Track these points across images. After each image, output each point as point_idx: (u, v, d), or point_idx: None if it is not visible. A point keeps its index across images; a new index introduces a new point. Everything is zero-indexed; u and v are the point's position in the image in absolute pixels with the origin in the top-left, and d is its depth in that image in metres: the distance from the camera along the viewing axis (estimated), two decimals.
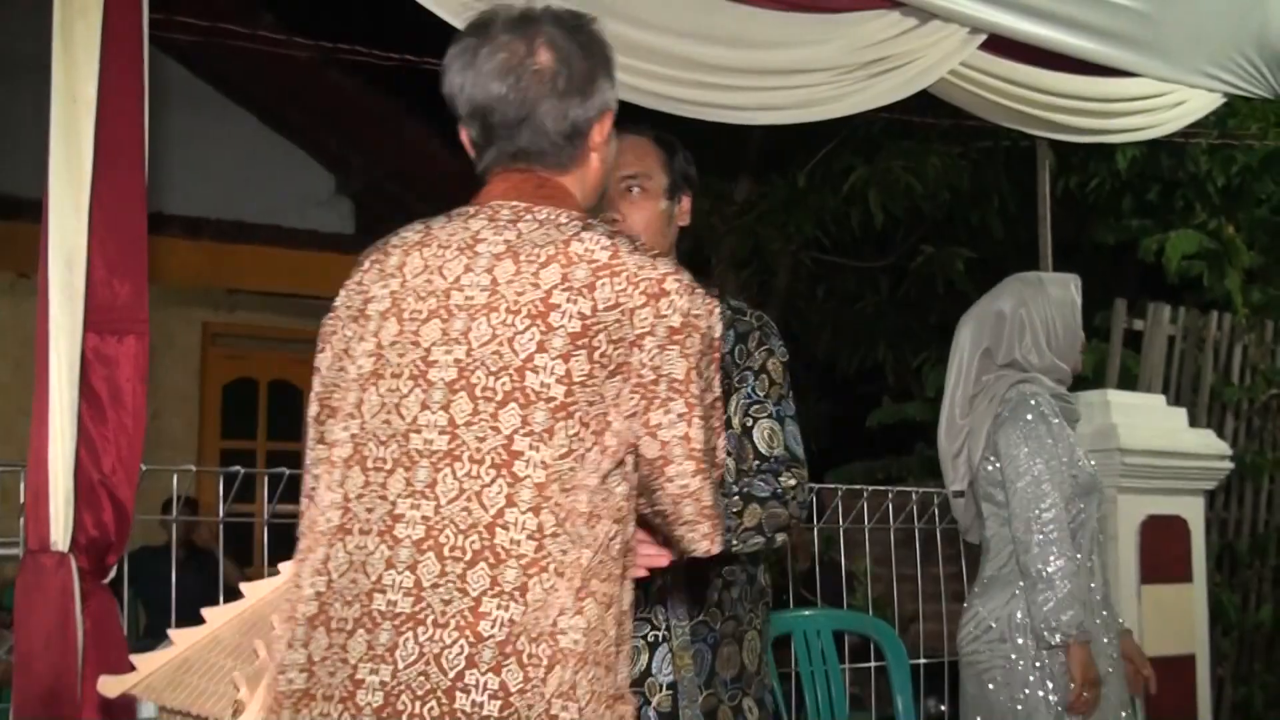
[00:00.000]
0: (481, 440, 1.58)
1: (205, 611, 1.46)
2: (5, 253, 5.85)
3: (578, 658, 1.56)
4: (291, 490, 3.51)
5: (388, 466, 1.60)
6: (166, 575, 3.25)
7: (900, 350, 8.15)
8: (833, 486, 4.30)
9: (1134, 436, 4.50)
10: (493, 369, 1.60)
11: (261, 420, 8.59)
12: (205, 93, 8.21)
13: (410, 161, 8.89)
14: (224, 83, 8.35)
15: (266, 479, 3.38)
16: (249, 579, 1.61)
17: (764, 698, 2.51)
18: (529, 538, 1.55)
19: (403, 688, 1.51)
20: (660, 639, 2.37)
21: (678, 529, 1.73)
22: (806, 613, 3.95)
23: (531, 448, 1.57)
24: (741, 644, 2.46)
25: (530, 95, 1.74)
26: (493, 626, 1.53)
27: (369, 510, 1.59)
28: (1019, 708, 2.96)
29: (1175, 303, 6.07)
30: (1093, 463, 3.21)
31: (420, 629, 1.52)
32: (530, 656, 1.53)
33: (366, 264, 1.76)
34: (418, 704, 1.50)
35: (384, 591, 1.55)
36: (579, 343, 1.60)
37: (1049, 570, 2.92)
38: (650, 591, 2.35)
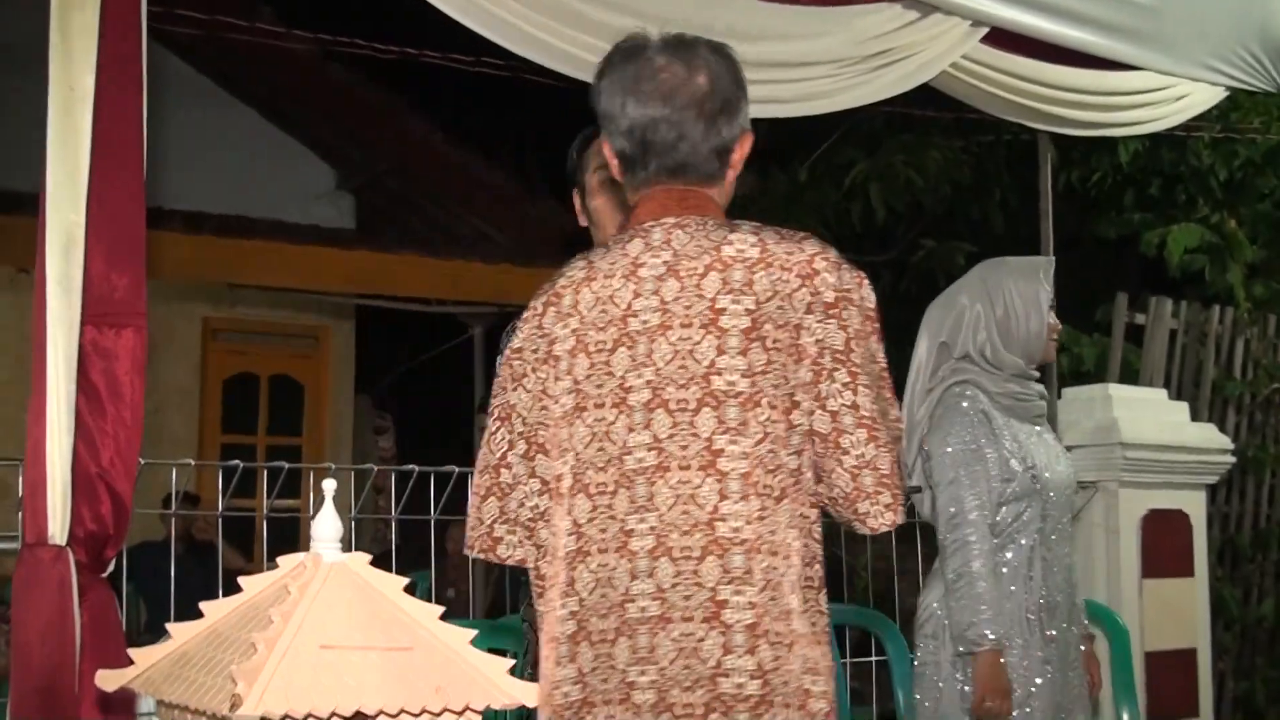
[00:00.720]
0: (685, 448, 1.74)
1: (204, 605, 1.45)
2: (5, 247, 5.84)
3: (808, 637, 1.74)
4: (291, 485, 3.52)
5: (610, 489, 1.76)
6: (167, 570, 3.25)
7: (901, 345, 8.09)
8: None
9: (1135, 431, 4.50)
10: (680, 382, 1.76)
11: (262, 415, 8.59)
12: (206, 87, 8.20)
13: (412, 156, 8.89)
14: (225, 77, 8.34)
15: (266, 473, 3.38)
16: (250, 569, 1.61)
17: None
18: (746, 523, 1.72)
19: (671, 683, 1.69)
20: None
21: (860, 504, 1.82)
22: None
23: (730, 443, 1.74)
24: None
25: (689, 115, 1.86)
26: (735, 612, 1.70)
27: (602, 531, 1.76)
28: (938, 703, 2.93)
29: (1177, 297, 6.07)
30: (1066, 460, 3.09)
31: (671, 626, 1.70)
32: (775, 635, 1.71)
33: (540, 307, 1.88)
34: (687, 694, 1.69)
35: (634, 600, 1.72)
36: (751, 336, 1.76)
37: (964, 574, 2.86)
38: None
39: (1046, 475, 2.96)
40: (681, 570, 1.72)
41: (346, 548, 1.42)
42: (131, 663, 1.44)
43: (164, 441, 7.35)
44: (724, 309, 1.77)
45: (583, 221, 2.62)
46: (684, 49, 1.90)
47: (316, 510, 1.41)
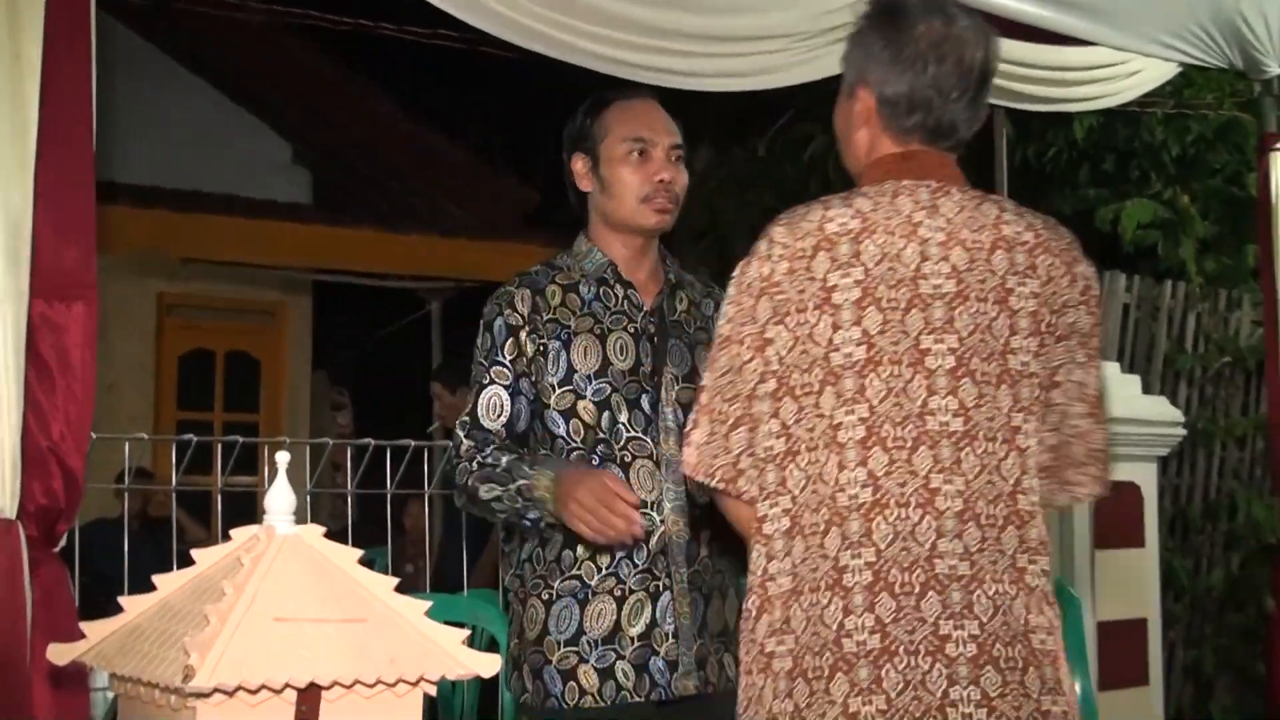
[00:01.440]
0: (991, 420, 1.81)
1: (156, 579, 1.45)
2: None
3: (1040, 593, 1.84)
4: (248, 462, 3.51)
5: (909, 445, 1.79)
6: (122, 548, 3.23)
7: None
8: None
9: None
10: (983, 355, 1.81)
11: (218, 391, 8.53)
12: (159, 60, 8.11)
13: (369, 130, 8.83)
14: (178, 49, 8.25)
15: (220, 448, 3.37)
16: (210, 544, 1.61)
17: (738, 657, 2.55)
18: (1039, 500, 1.84)
19: (993, 638, 1.76)
20: (662, 588, 2.41)
21: (1066, 473, 1.90)
22: None
23: (1025, 421, 1.83)
24: (725, 599, 2.51)
25: (968, 83, 1.91)
26: (1034, 578, 1.81)
27: (900, 485, 1.79)
28: None
29: (1130, 271, 6.12)
30: None
31: (986, 586, 1.78)
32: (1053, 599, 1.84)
33: (807, 249, 1.85)
34: (1007, 648, 1.76)
35: (942, 558, 1.77)
36: (1036, 319, 1.84)
37: None
38: (650, 546, 2.40)
39: None
40: (987, 537, 1.79)
41: (302, 522, 1.42)
42: (84, 636, 1.43)
43: (120, 418, 7.28)
44: (1011, 289, 1.84)
45: (584, 185, 2.56)
46: (942, 12, 1.95)
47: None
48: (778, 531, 1.83)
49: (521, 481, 2.33)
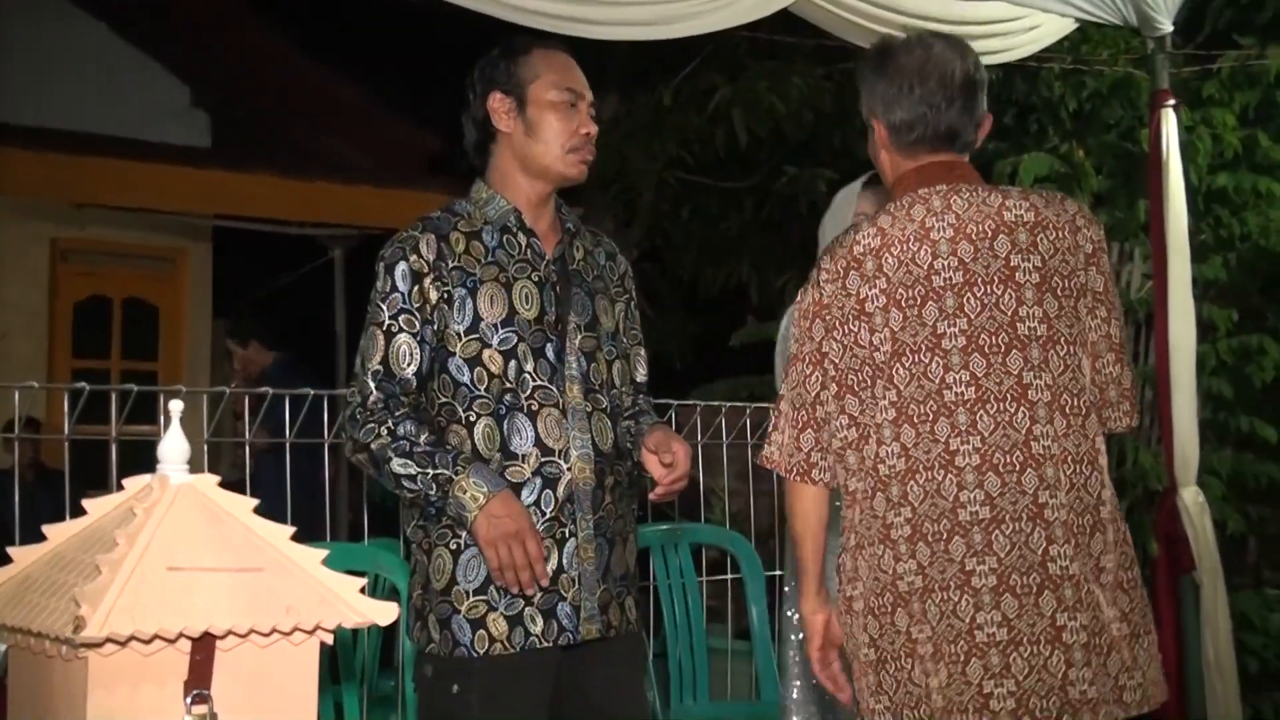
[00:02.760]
0: (999, 384, 2.15)
1: (48, 529, 1.44)
2: None
3: (1111, 519, 2.19)
4: (142, 409, 3.45)
5: (930, 419, 2.15)
6: (14, 498, 3.18)
7: (764, 270, 8.23)
8: (691, 403, 4.36)
9: None
10: (990, 330, 2.16)
11: (115, 339, 8.37)
12: (54, 2, 7.88)
13: (269, 74, 8.69)
14: None
15: (115, 396, 3.31)
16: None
17: (638, 599, 2.61)
18: (1053, 440, 2.14)
19: (1010, 570, 2.11)
20: (568, 534, 2.44)
21: (1105, 411, 2.23)
22: (665, 527, 4.02)
23: (1035, 377, 2.15)
24: (626, 544, 2.56)
25: (958, 94, 2.27)
26: (1053, 512, 2.12)
27: (926, 453, 2.15)
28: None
29: None
30: None
31: (1005, 525, 2.12)
32: (1079, 526, 2.13)
33: (839, 270, 2.23)
34: (1024, 577, 2.11)
35: (964, 506, 2.12)
36: (1043, 289, 2.17)
37: None
38: (557, 493, 2.43)
39: None
40: (1007, 482, 2.13)
41: (200, 472, 1.41)
42: None
43: (12, 367, 7.14)
44: (1016, 266, 2.18)
45: (504, 126, 2.53)
46: (956, 43, 2.34)
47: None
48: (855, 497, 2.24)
49: (443, 472, 2.35)
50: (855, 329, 2.20)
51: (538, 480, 2.42)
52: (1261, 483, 6.16)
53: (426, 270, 2.44)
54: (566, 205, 2.66)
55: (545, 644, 2.41)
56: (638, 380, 2.69)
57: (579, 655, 2.48)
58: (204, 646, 1.29)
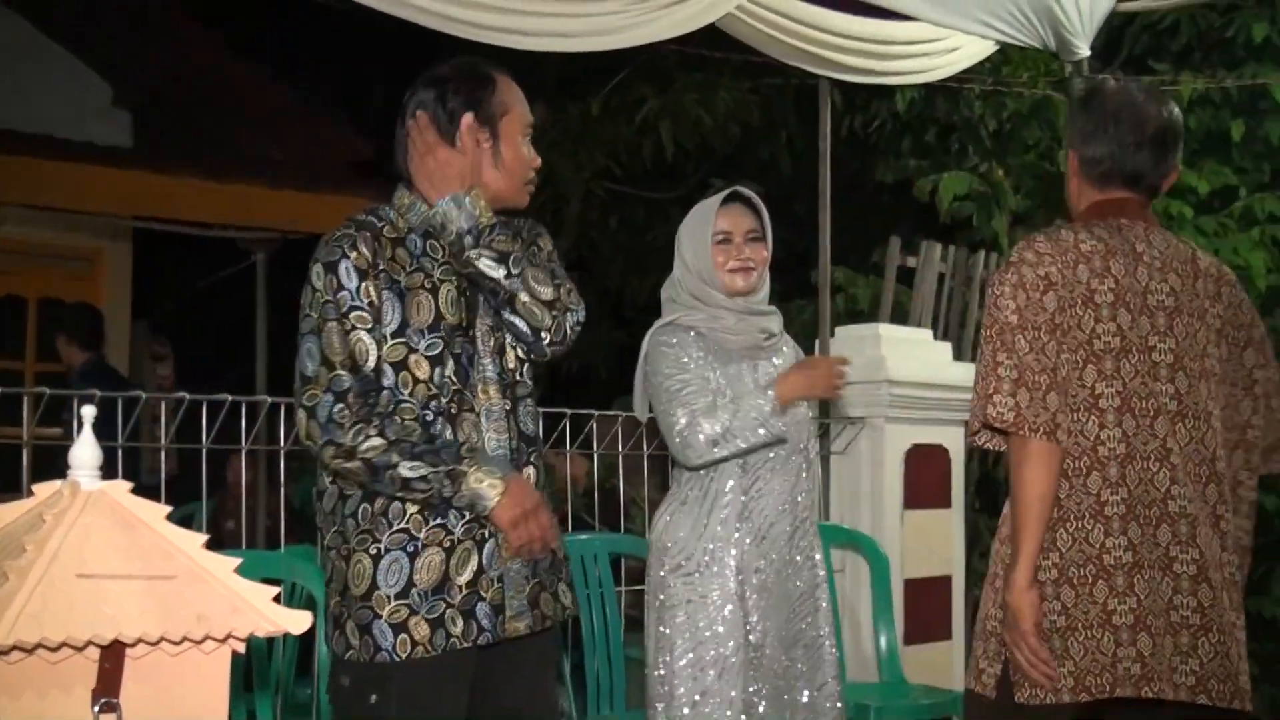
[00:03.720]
0: (1195, 403, 2.44)
1: None
2: None
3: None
4: (56, 411, 3.40)
5: (1151, 414, 2.41)
6: None
7: None
8: (614, 414, 4.37)
9: (901, 369, 4.70)
10: (1191, 355, 2.45)
11: (30, 340, 8.22)
12: None
13: (194, 73, 8.57)
14: None
15: (28, 399, 3.26)
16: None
17: (571, 582, 2.66)
18: (1224, 465, 2.48)
19: (1209, 564, 2.40)
20: (487, 535, 2.44)
21: (1275, 453, 2.62)
22: (584, 536, 4.03)
23: (1214, 406, 2.47)
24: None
25: (1160, 145, 2.53)
26: (1225, 523, 2.45)
27: (1144, 444, 2.40)
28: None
29: (946, 241, 6.32)
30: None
31: (1205, 525, 2.41)
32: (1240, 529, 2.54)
33: (1070, 261, 2.42)
34: (1218, 571, 2.41)
35: (1173, 499, 2.39)
36: (1222, 334, 2.52)
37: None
38: None
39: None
40: (1197, 488, 2.42)
41: (113, 476, 1.40)
42: None
43: None
44: (1207, 309, 2.49)
45: (468, 144, 2.53)
46: (1151, 89, 2.63)
47: None
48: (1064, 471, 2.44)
49: (455, 468, 2.37)
50: (1082, 314, 2.40)
51: None
52: None
53: (367, 267, 2.42)
54: None
55: (465, 645, 2.42)
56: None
57: (493, 656, 2.49)
58: (113, 654, 1.28)
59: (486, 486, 2.38)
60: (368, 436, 2.36)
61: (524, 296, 2.48)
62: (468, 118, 2.55)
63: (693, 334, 3.06)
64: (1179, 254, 2.49)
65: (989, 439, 2.49)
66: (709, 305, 3.08)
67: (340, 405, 2.38)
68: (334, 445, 2.38)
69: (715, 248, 3.07)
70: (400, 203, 2.56)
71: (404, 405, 2.42)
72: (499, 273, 2.47)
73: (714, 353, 3.05)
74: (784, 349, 3.20)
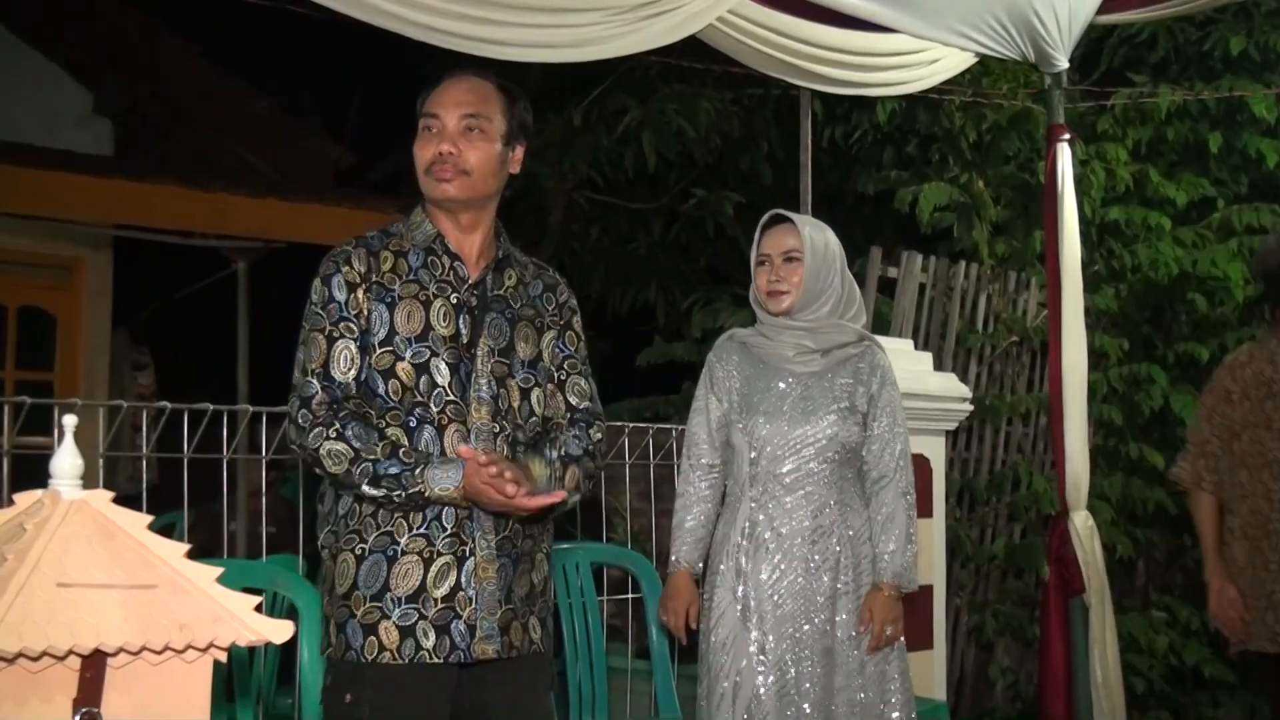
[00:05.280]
0: None
1: None
2: None
3: None
4: (37, 420, 3.39)
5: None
6: None
7: (670, 291, 8.29)
8: None
9: None
10: None
11: (10, 348, 8.18)
12: None
13: (174, 81, 8.56)
14: None
15: (8, 408, 3.25)
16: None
17: (546, 619, 2.64)
18: None
19: None
20: (468, 553, 2.45)
21: None
22: (566, 546, 4.04)
23: None
24: (534, 565, 2.58)
25: None
26: None
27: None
28: None
29: (928, 252, 6.34)
30: (812, 411, 3.21)
31: None
32: None
33: (1258, 364, 3.85)
34: None
35: None
36: None
37: (675, 508, 3.29)
38: (459, 511, 2.47)
39: (760, 422, 3.19)
40: None
41: (95, 486, 1.40)
42: None
43: None
44: None
45: (514, 169, 2.68)
46: None
47: None
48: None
49: (416, 489, 2.40)
50: (1269, 408, 3.81)
51: None
52: (1149, 507, 6.33)
53: (359, 281, 2.51)
54: (505, 235, 2.70)
55: (436, 659, 2.43)
56: (572, 403, 2.70)
57: (479, 675, 2.50)
58: (94, 664, 1.29)
59: (441, 493, 2.41)
60: (327, 438, 2.42)
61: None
62: (517, 149, 2.74)
63: (737, 343, 3.35)
64: None
65: None
66: (761, 321, 3.33)
67: (304, 410, 2.46)
68: (300, 447, 2.47)
69: (757, 269, 3.30)
70: (412, 220, 2.64)
71: (391, 412, 2.45)
72: (575, 497, 2.65)
73: (750, 362, 3.29)
74: (818, 359, 3.27)
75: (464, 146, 2.57)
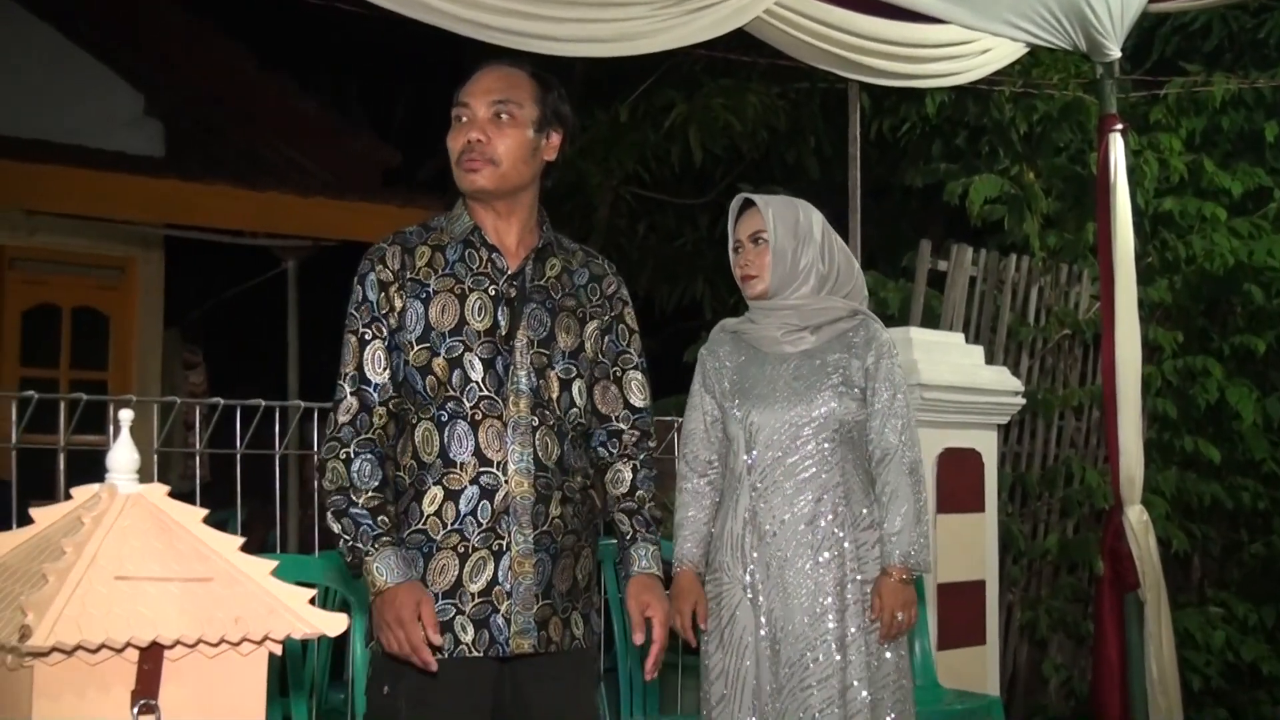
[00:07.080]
0: None
1: None
2: None
3: None
4: (91, 418, 3.43)
5: None
6: None
7: (718, 287, 8.26)
8: None
9: (933, 372, 4.68)
10: None
11: (65, 348, 8.28)
12: (3, 5, 7.80)
13: (224, 83, 8.62)
14: None
15: (64, 405, 3.29)
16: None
17: (590, 615, 2.61)
18: None
19: None
20: (504, 547, 2.45)
21: None
22: (615, 541, 4.02)
23: None
24: (577, 560, 2.56)
25: None
26: None
27: None
28: None
29: (978, 245, 6.29)
30: (805, 397, 3.09)
31: None
32: None
33: None
34: None
35: None
36: None
37: (676, 502, 3.22)
38: (494, 505, 2.44)
39: (755, 409, 3.10)
40: None
41: (149, 481, 1.41)
42: None
43: None
44: None
45: (549, 157, 2.64)
46: None
47: None
48: None
49: (361, 555, 2.40)
50: None
51: (474, 489, 2.44)
52: (1205, 502, 6.24)
53: (392, 279, 2.51)
54: (548, 223, 2.68)
55: (475, 653, 2.42)
56: (633, 403, 2.68)
57: (522, 669, 2.49)
58: (152, 656, 1.29)
59: (371, 580, 2.40)
60: (335, 456, 2.47)
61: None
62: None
63: (728, 332, 3.26)
64: None
65: None
66: (750, 308, 3.25)
67: (331, 415, 2.53)
68: (323, 456, 2.53)
69: (733, 257, 3.23)
70: (452, 213, 2.63)
71: (428, 406, 2.47)
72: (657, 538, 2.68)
73: (742, 349, 3.21)
74: (808, 337, 3.15)
75: (493, 133, 2.54)
